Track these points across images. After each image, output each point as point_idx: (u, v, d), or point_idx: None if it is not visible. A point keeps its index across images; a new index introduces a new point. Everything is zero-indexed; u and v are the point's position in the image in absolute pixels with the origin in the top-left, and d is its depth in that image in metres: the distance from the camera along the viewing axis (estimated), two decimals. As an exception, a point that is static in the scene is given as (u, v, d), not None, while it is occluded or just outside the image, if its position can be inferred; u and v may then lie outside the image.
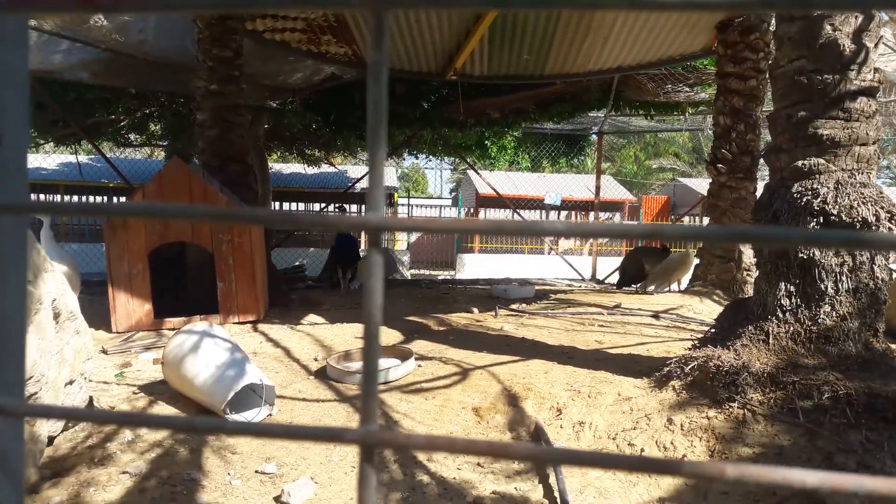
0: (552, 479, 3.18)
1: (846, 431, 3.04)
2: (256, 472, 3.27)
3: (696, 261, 8.75)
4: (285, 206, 21.92)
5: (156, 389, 4.23)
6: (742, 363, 3.58)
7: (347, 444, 0.35)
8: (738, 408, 3.40)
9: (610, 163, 31.16)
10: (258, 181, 9.75)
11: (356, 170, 20.69)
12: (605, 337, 5.58)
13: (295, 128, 13.52)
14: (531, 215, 21.72)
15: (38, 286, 3.04)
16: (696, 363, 3.78)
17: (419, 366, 4.77)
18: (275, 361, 4.99)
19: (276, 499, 3.03)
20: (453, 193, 36.84)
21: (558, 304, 7.74)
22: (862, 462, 2.87)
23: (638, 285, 10.02)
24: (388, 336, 5.79)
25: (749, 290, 7.00)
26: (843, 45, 3.73)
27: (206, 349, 3.94)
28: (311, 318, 6.68)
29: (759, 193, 4.66)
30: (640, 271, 9.98)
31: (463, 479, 3.26)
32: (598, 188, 15.27)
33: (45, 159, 19.61)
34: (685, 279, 9.27)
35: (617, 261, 13.81)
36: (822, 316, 3.66)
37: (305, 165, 16.64)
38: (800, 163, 3.88)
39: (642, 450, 3.41)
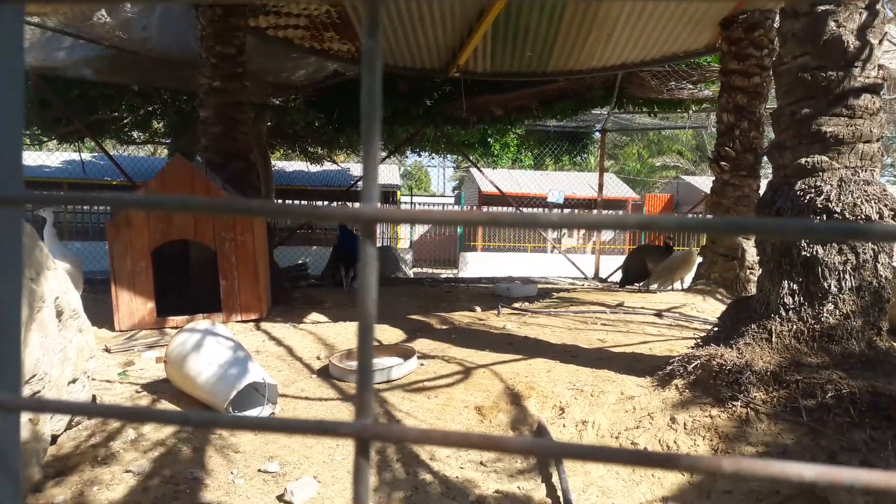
0: (555, 478, 3.17)
1: (850, 430, 3.03)
2: (259, 470, 3.27)
3: (699, 259, 8.74)
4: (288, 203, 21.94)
5: (159, 388, 4.23)
6: (745, 362, 3.57)
7: (342, 437, 0.35)
8: (741, 406, 3.39)
9: (613, 161, 31.16)
10: (261, 179, 9.77)
11: (359, 168, 20.69)
12: (607, 335, 5.57)
13: (298, 125, 13.53)
14: (534, 214, 21.65)
15: (40, 284, 3.04)
16: (699, 362, 3.78)
17: (422, 364, 4.76)
18: (277, 360, 4.99)
19: (279, 497, 3.03)
20: (456, 191, 36.86)
21: (561, 302, 7.73)
22: (866, 461, 2.86)
23: (641, 284, 10.01)
24: (391, 335, 5.79)
25: (752, 289, 6.99)
26: (847, 42, 3.71)
27: (209, 348, 3.94)
28: (314, 316, 6.68)
29: (762, 191, 4.64)
30: (643, 270, 9.97)
31: (466, 478, 3.26)
32: (601, 186, 15.26)
33: (49, 157, 19.66)
34: (688, 277, 9.26)
35: (620, 259, 13.81)
36: (825, 314, 3.64)
37: (308, 163, 16.66)
38: (803, 160, 3.86)
39: (645, 448, 3.40)
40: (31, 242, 3.12)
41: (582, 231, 23.89)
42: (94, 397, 3.77)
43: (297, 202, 21.62)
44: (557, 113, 12.50)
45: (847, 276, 3.63)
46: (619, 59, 10.14)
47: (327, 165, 17.67)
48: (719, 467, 0.30)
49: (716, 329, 4.35)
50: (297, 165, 20.53)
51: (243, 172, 7.65)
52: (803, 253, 3.73)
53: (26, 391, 2.74)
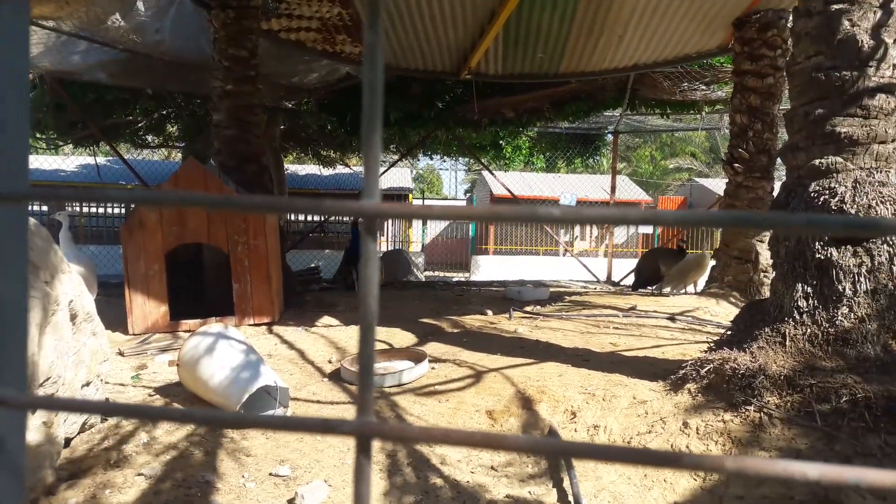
0: (566, 483, 3.15)
1: (864, 435, 2.99)
2: (270, 474, 3.28)
3: (713, 262, 8.68)
4: (301, 207, 22.02)
5: (171, 391, 4.25)
6: (758, 366, 3.53)
7: (343, 435, 0.35)
8: (754, 411, 3.36)
9: (626, 163, 31.01)
10: (274, 182, 9.81)
11: (371, 171, 20.71)
12: (620, 339, 5.54)
13: (310, 128, 13.59)
14: (546, 217, 21.61)
15: (55, 287, 3.06)
16: (711, 366, 3.74)
17: (433, 368, 4.76)
18: (289, 363, 5.01)
19: (290, 501, 3.03)
20: (468, 194, 36.83)
21: (573, 305, 7.70)
22: (880, 466, 2.82)
23: (654, 287, 9.95)
24: (402, 338, 5.79)
25: (766, 292, 6.92)
26: (862, 41, 3.68)
27: (222, 351, 3.96)
28: (326, 319, 6.69)
29: (776, 193, 4.61)
30: (655, 273, 9.91)
31: (476, 482, 3.25)
32: (613, 188, 15.21)
33: (65, 161, 19.88)
34: (701, 281, 9.19)
35: (632, 263, 13.73)
36: (839, 318, 3.60)
37: (321, 167, 16.71)
38: (817, 161, 3.83)
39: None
40: (47, 246, 3.15)
41: (594, 234, 23.83)
42: (106, 400, 3.79)
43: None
44: (569, 115, 12.47)
45: (862, 279, 3.59)
46: (632, 60, 10.11)
47: (340, 169, 17.71)
48: (723, 466, 0.29)
49: (729, 333, 4.31)
50: (309, 169, 20.59)
51: (256, 175, 7.68)
52: (817, 255, 3.69)
53: (40, 394, 2.76)
